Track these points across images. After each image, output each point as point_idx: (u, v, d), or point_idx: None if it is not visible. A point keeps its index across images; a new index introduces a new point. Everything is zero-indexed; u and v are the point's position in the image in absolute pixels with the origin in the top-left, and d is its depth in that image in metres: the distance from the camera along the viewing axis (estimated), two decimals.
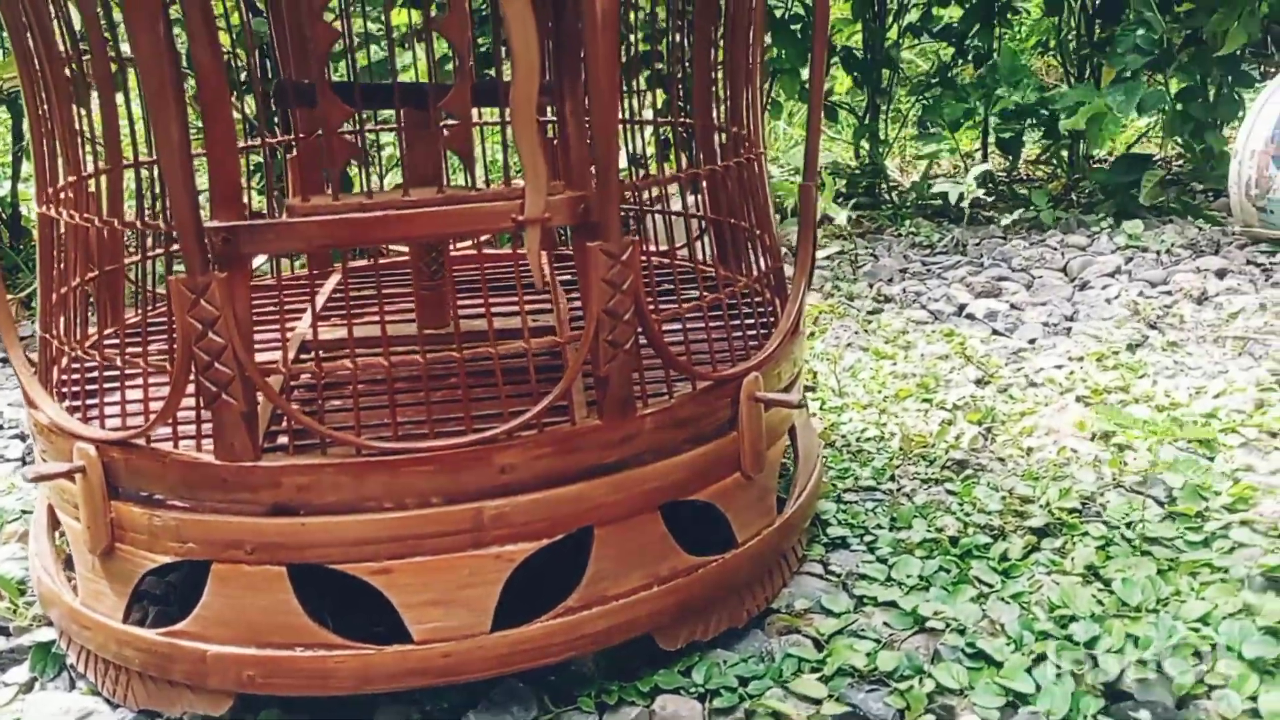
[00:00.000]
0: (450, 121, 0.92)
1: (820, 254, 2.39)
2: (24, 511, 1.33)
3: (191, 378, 0.87)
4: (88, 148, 1.02)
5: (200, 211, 0.84)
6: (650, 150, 2.27)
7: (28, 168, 2.54)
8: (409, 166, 1.13)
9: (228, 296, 0.84)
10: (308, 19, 0.83)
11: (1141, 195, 2.48)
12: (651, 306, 1.12)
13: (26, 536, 1.26)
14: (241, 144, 1.36)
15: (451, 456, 0.88)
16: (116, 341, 1.19)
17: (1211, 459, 1.34)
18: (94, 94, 1.02)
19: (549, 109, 1.24)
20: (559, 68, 0.93)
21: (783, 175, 3.17)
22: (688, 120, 1.24)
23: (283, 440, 0.95)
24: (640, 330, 0.92)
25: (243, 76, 1.89)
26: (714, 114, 1.22)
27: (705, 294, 1.13)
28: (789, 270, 1.17)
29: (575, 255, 0.94)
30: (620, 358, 0.91)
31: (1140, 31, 2.51)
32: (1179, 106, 2.52)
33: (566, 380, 0.90)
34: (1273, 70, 3.37)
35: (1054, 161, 2.85)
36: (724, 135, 1.20)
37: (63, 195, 1.02)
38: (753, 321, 1.15)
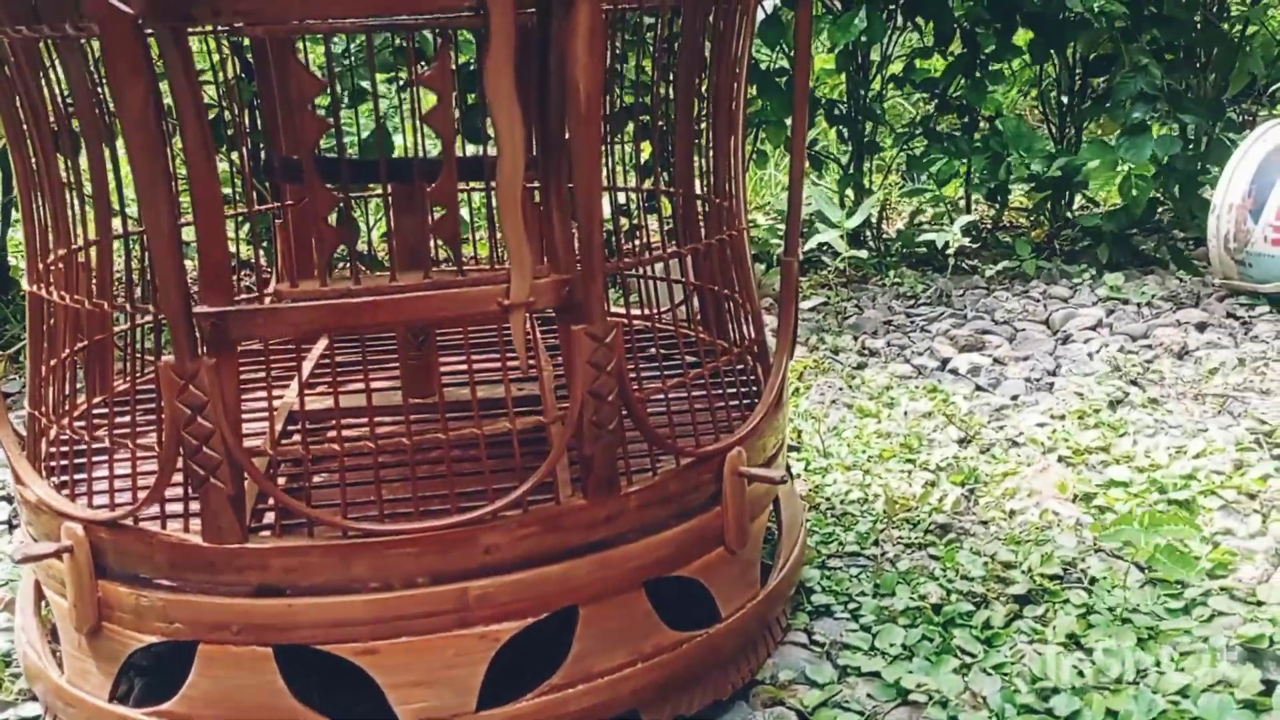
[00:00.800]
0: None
1: (805, 304, 2.41)
2: (9, 580, 1.33)
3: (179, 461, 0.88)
4: (77, 215, 1.03)
5: (190, 298, 0.86)
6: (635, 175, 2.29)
7: (17, 213, 2.55)
8: (396, 237, 1.14)
9: (216, 382, 0.85)
10: (296, 107, 0.85)
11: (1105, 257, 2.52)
12: (634, 375, 1.13)
13: (12, 605, 1.26)
14: (230, 211, 1.38)
15: (437, 538, 0.89)
16: (105, 411, 1.20)
17: (1191, 522, 1.35)
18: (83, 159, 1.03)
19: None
20: (544, 149, 0.94)
21: (768, 222, 3.20)
22: (669, 190, 1.26)
23: (269, 517, 0.96)
24: (624, 410, 0.94)
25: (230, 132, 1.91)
26: (697, 184, 1.24)
27: (688, 363, 1.14)
28: (770, 334, 1.19)
29: (560, 335, 0.96)
30: (604, 438, 0.92)
31: (1143, 79, 2.53)
32: (1161, 156, 2.55)
33: (550, 462, 0.91)
34: (1250, 117, 3.42)
35: (1042, 212, 2.88)
36: (706, 205, 1.22)
37: (53, 270, 1.03)
38: (735, 390, 1.17)
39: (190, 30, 0.84)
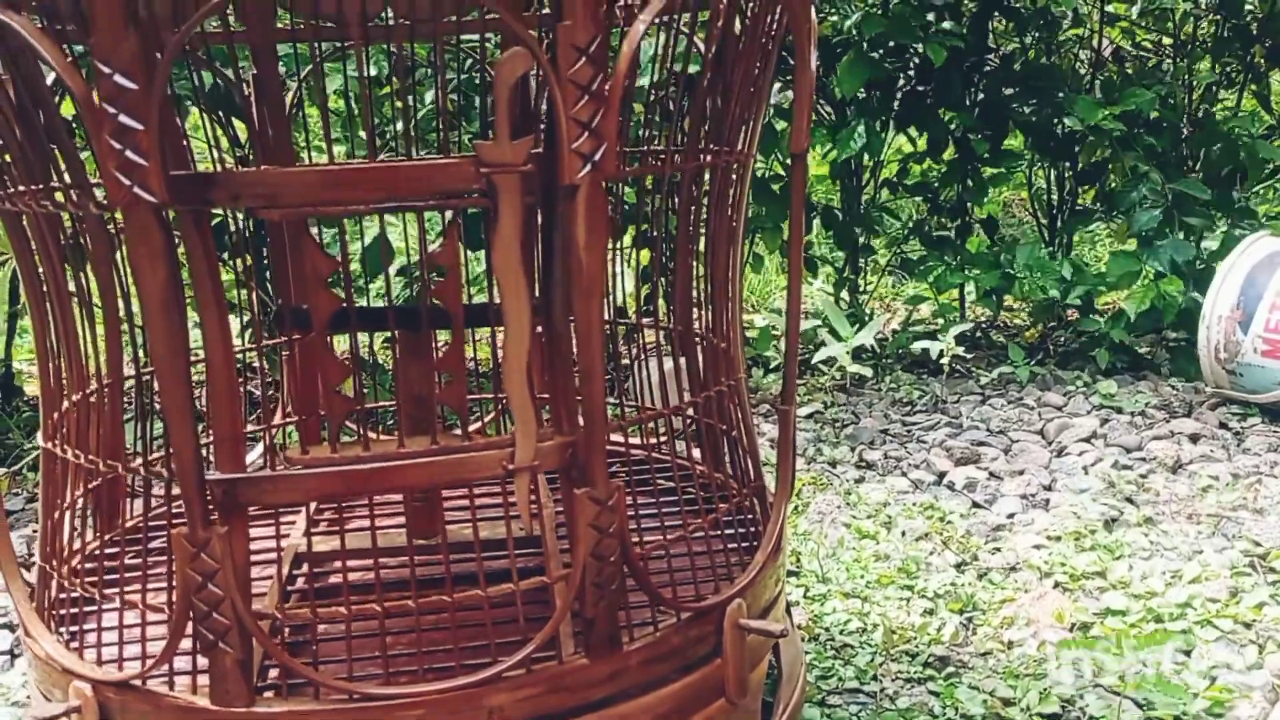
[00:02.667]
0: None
1: (802, 411, 2.44)
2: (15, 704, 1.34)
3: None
4: (90, 351, 1.06)
5: (204, 464, 0.88)
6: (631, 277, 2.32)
7: (24, 321, 2.58)
8: (403, 384, 1.17)
9: (227, 550, 0.87)
10: (310, 286, 0.88)
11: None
12: (632, 515, 1.15)
13: None
14: (239, 346, 1.41)
15: (442, 700, 0.90)
16: (116, 549, 1.22)
17: (1188, 654, 1.36)
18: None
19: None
20: (548, 314, 0.98)
21: (765, 322, 3.24)
22: (668, 326, 1.29)
23: (275, 673, 0.97)
24: (626, 570, 0.96)
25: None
26: (695, 320, 1.28)
27: (687, 505, 1.17)
28: (768, 471, 1.21)
29: (563, 496, 0.98)
30: (607, 598, 0.94)
31: (1146, 187, 2.59)
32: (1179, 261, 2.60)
33: (554, 623, 0.93)
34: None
35: (1038, 316, 2.92)
36: (704, 342, 1.25)
37: (66, 422, 1.06)
38: (734, 531, 1.19)
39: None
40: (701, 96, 1.15)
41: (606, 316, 1.30)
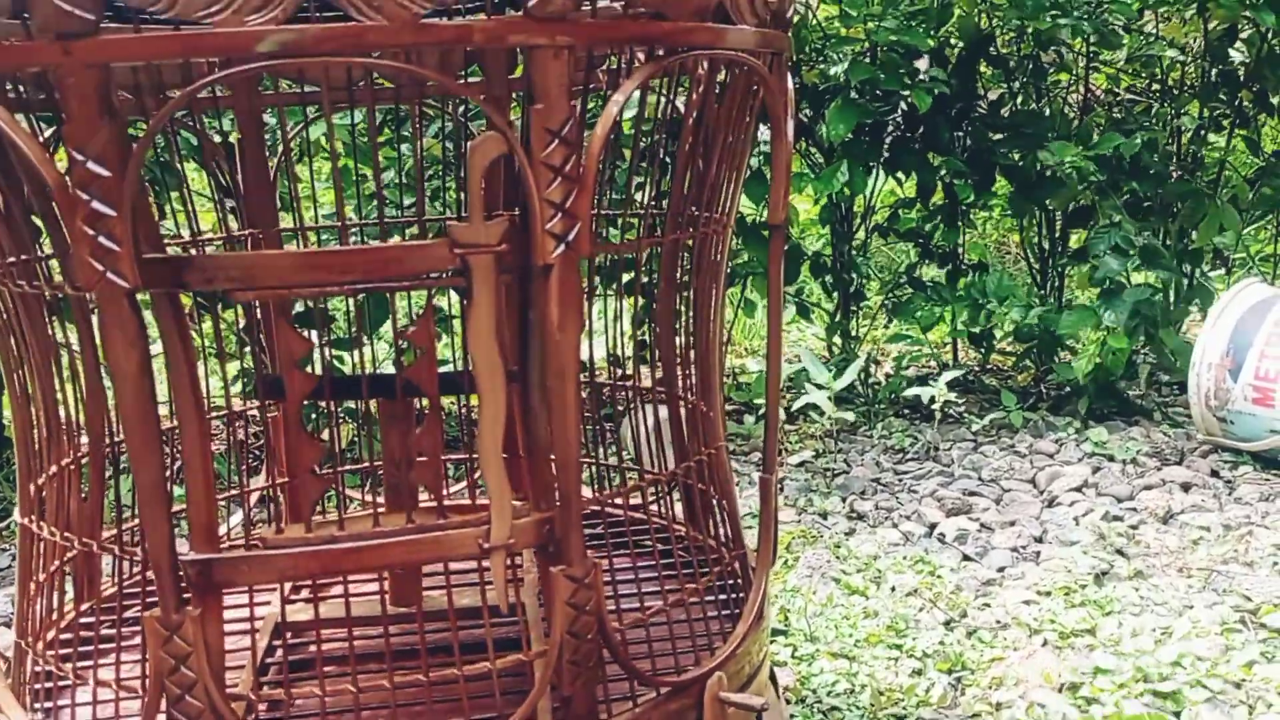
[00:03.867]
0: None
1: (793, 459, 2.44)
2: None
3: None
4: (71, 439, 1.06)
5: (176, 549, 0.88)
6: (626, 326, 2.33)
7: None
8: (384, 452, 1.17)
9: (200, 633, 0.87)
10: (283, 367, 0.88)
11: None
12: (609, 581, 1.15)
13: None
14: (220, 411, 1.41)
15: None
16: (91, 620, 1.22)
17: (1178, 715, 1.36)
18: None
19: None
20: (524, 391, 0.98)
21: (758, 368, 3.24)
22: (651, 389, 1.29)
23: None
24: (604, 646, 0.95)
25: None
26: (681, 383, 1.28)
27: (665, 569, 1.16)
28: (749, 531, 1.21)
29: (539, 572, 0.98)
30: (584, 675, 0.94)
31: (1116, 235, 2.60)
32: (1144, 303, 2.60)
33: (530, 701, 0.92)
34: (1225, 264, 3.50)
35: (1027, 357, 2.93)
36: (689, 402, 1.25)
37: (44, 495, 1.06)
38: (714, 599, 1.18)
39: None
40: (681, 166, 1.16)
41: (588, 375, 1.32)
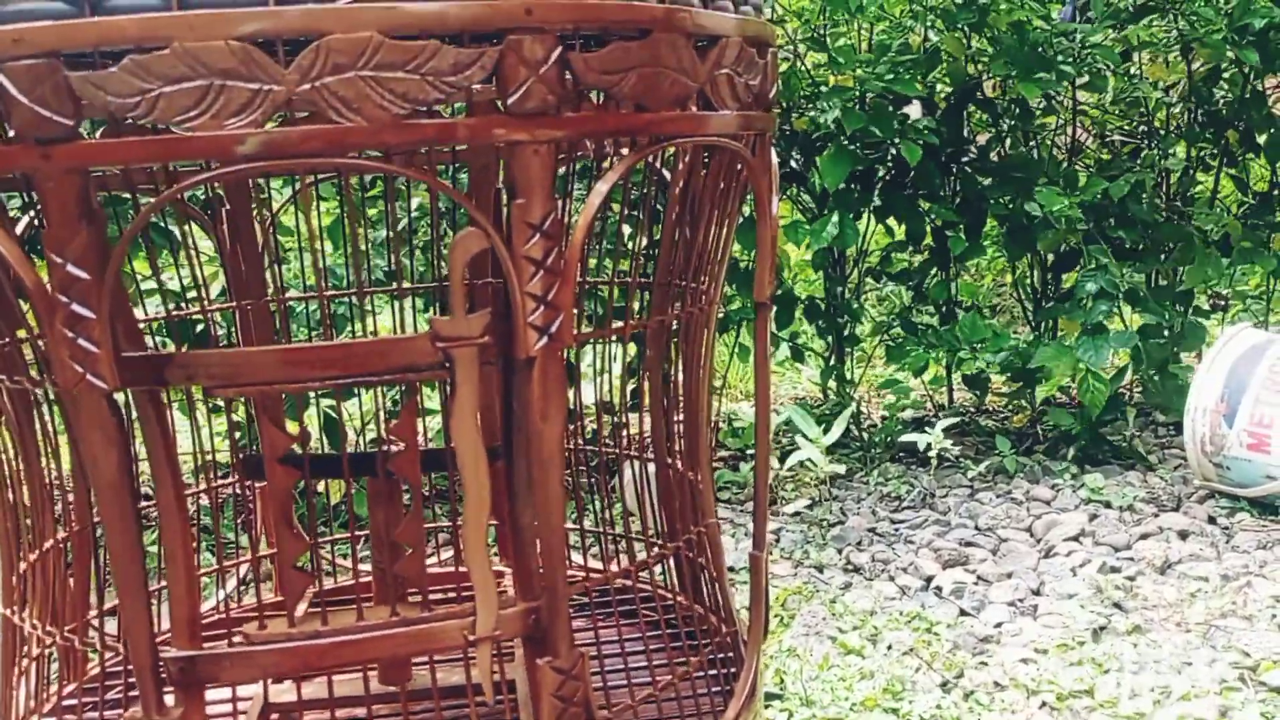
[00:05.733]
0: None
1: (788, 509, 2.43)
2: None
3: None
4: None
5: (158, 649, 0.87)
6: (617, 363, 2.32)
7: None
8: (372, 531, 1.16)
9: None
10: (266, 461, 0.88)
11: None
12: (594, 658, 1.14)
13: None
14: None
15: None
16: (75, 703, 1.20)
17: None
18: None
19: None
20: (510, 479, 0.97)
21: (751, 412, 3.23)
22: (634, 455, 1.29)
23: None
24: None
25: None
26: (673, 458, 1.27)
27: (652, 641, 1.15)
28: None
29: (526, 664, 0.97)
30: None
31: (1102, 278, 2.60)
32: (1140, 345, 2.60)
33: None
34: (1223, 302, 3.50)
35: (1021, 397, 2.92)
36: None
37: (24, 587, 1.05)
38: (703, 675, 1.17)
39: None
40: (667, 236, 1.16)
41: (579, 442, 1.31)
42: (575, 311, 0.92)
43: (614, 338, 1.16)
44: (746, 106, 0.99)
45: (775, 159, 1.13)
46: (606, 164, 1.28)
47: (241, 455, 1.21)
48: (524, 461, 0.92)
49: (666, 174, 1.27)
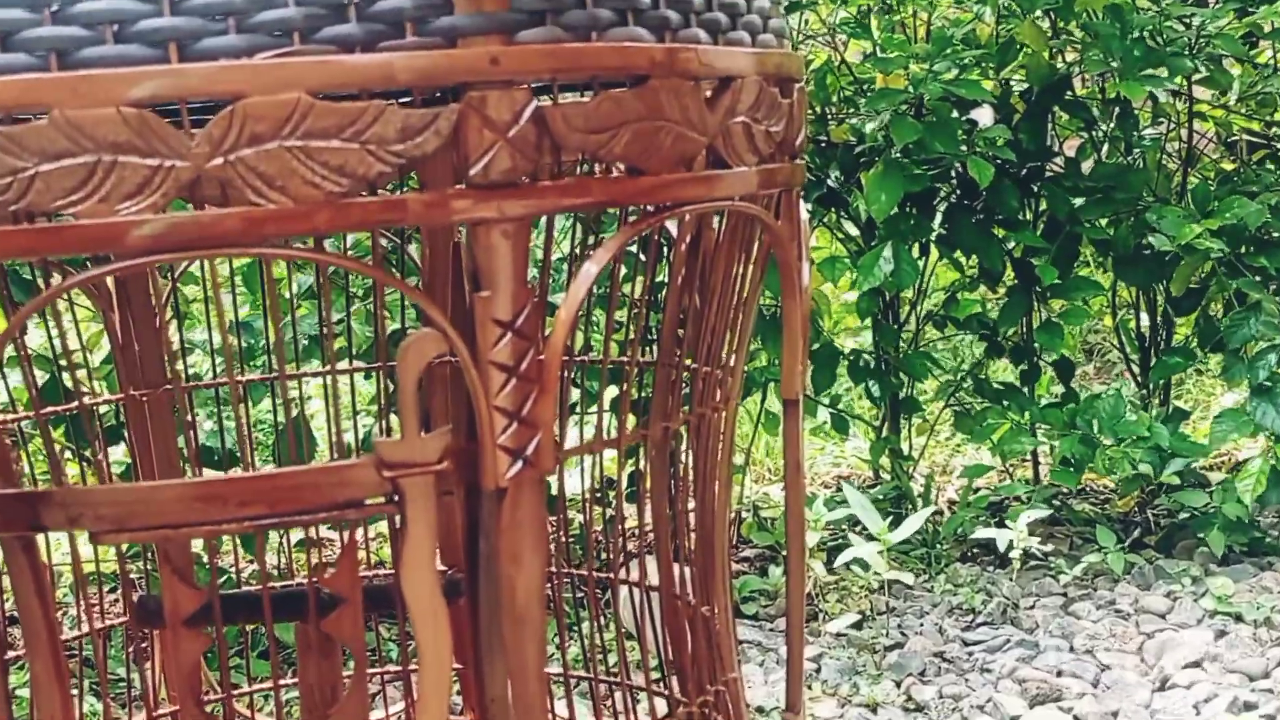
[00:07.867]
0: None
1: (832, 626, 2.43)
2: None
3: None
4: None
5: None
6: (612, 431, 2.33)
7: None
8: (304, 693, 1.18)
9: None
10: (170, 622, 0.90)
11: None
12: None
13: None
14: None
15: None
16: None
17: None
18: None
19: None
20: (473, 601, 0.99)
21: (781, 495, 3.25)
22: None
23: None
24: None
25: None
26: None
27: None
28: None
29: None
30: None
31: (1260, 321, 2.61)
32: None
33: None
34: None
35: (1125, 489, 2.93)
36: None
37: None
38: None
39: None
40: (672, 309, 1.18)
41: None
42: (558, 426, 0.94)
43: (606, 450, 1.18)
44: (767, 159, 1.02)
45: (805, 211, 1.15)
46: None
47: (136, 596, 1.23)
48: (492, 612, 0.94)
49: (672, 228, 1.30)
